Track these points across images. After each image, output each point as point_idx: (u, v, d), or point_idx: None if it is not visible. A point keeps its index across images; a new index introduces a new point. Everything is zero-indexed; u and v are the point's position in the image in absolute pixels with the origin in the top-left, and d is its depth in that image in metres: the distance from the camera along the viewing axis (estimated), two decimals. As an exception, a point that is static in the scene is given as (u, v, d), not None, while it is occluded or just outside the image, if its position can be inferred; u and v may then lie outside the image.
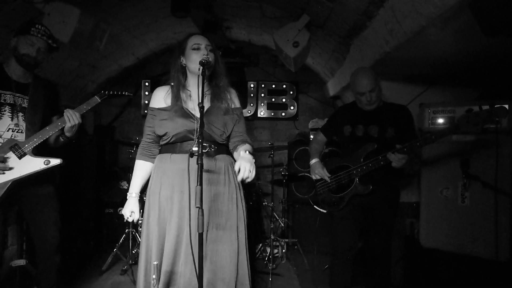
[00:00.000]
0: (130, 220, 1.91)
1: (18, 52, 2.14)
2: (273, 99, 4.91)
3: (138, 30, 3.96)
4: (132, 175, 3.68)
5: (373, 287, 2.60)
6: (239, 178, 1.63)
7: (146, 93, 4.87)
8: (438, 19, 1.80)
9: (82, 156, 4.08)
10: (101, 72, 4.30)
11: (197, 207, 1.49)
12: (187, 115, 1.81)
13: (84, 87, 4.23)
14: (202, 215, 1.51)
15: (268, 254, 3.73)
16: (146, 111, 4.85)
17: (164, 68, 4.97)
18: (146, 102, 4.87)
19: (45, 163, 2.12)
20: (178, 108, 1.82)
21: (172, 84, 1.91)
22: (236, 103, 1.94)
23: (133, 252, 3.59)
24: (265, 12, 3.47)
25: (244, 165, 1.62)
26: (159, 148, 1.94)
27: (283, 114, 4.93)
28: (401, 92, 3.29)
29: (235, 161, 1.80)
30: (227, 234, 1.80)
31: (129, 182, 3.78)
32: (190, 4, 3.04)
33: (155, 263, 1.64)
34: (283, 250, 3.95)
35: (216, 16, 3.85)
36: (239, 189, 1.90)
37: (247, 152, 1.76)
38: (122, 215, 4.45)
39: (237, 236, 1.82)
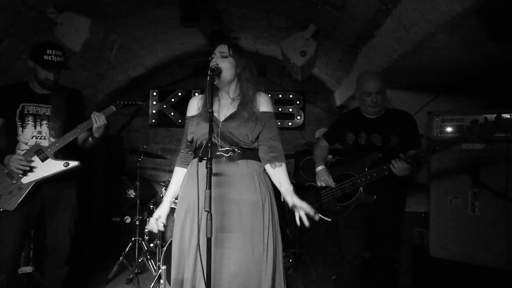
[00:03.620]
0: (149, 227, 1.91)
1: (38, 77, 2.36)
2: (280, 109, 4.93)
3: (146, 41, 4.02)
4: (138, 183, 3.73)
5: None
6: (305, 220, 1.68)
7: (154, 102, 4.92)
8: (446, 25, 1.82)
9: (90, 164, 4.11)
10: (110, 82, 4.36)
11: (206, 211, 1.49)
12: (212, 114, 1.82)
13: (93, 97, 4.29)
14: (211, 219, 1.51)
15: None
16: (153, 121, 4.97)
17: (172, 78, 5.04)
18: (154, 111, 4.93)
19: (65, 165, 2.33)
20: (203, 113, 1.85)
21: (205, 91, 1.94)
22: (265, 108, 1.91)
23: (139, 260, 3.58)
24: (273, 23, 3.52)
25: (300, 213, 1.68)
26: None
27: (290, 123, 4.94)
28: (409, 101, 3.29)
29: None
30: (243, 239, 1.75)
31: (136, 191, 3.85)
32: (200, 14, 3.09)
33: (164, 267, 1.64)
34: (290, 260, 3.90)
35: (224, 27, 3.91)
36: (266, 196, 1.82)
37: (291, 190, 1.76)
38: (128, 224, 4.44)
39: (264, 242, 1.75)
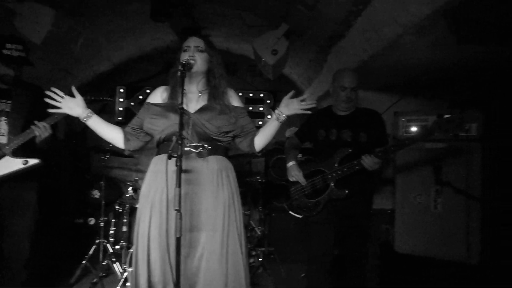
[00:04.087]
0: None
1: None
2: (251, 108, 4.92)
3: (114, 35, 3.89)
4: (103, 183, 3.60)
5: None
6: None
7: (121, 99, 4.77)
8: (414, 27, 1.88)
9: (54, 163, 3.92)
10: (74, 77, 4.18)
11: (175, 210, 1.45)
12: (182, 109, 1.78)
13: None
14: (181, 218, 1.47)
15: (245, 264, 3.68)
16: (120, 118, 4.81)
17: (141, 75, 4.90)
18: (120, 109, 4.77)
19: (23, 163, 2.21)
20: (171, 104, 1.81)
21: (170, 83, 1.90)
22: (235, 102, 1.93)
23: (104, 263, 3.44)
24: (245, 20, 3.51)
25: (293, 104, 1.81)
26: (139, 142, 1.93)
27: (260, 122, 4.94)
28: (377, 101, 3.39)
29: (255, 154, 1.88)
30: (213, 238, 1.73)
31: (100, 191, 3.71)
32: (171, 9, 3.03)
33: (130, 269, 1.57)
34: (259, 259, 3.90)
35: (195, 24, 3.85)
36: (234, 193, 1.83)
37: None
38: (92, 226, 4.28)
39: (227, 240, 1.74)
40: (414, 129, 2.97)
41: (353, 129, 2.50)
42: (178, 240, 1.48)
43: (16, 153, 2.21)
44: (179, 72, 1.67)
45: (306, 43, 3.32)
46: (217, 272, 1.68)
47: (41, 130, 2.19)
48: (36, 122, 2.19)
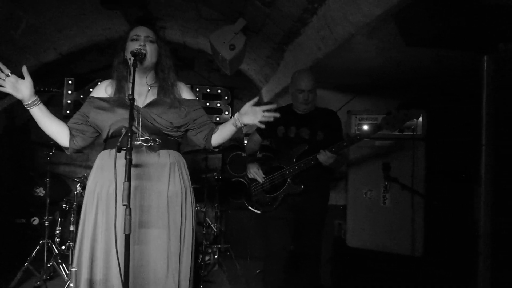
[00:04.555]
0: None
1: None
2: (208, 104, 4.86)
3: (61, 23, 3.66)
4: (49, 180, 3.38)
5: (303, 287, 2.67)
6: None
7: (69, 92, 4.51)
8: (366, 27, 1.94)
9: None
10: (15, 66, 3.88)
11: (124, 205, 1.38)
12: (128, 106, 1.69)
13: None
14: (130, 214, 1.40)
15: (199, 261, 3.64)
16: (68, 111, 4.55)
17: (91, 66, 4.67)
18: (69, 101, 4.51)
19: None
20: (118, 99, 1.71)
21: (115, 76, 1.79)
22: (186, 95, 1.87)
23: (49, 265, 3.25)
24: (202, 14, 3.45)
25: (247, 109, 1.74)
26: (82, 136, 1.80)
27: (218, 119, 4.90)
28: (331, 99, 3.49)
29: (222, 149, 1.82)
30: (163, 235, 1.69)
31: (45, 189, 3.49)
32: (122, -3, 2.90)
33: (74, 269, 1.48)
34: (215, 256, 3.88)
35: (150, 14, 3.73)
36: (187, 188, 1.80)
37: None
38: (35, 226, 4.02)
39: (180, 236, 1.71)
40: (365, 127, 3.09)
41: (311, 127, 2.56)
42: (127, 237, 1.41)
43: None
44: (131, 62, 1.60)
45: (263, 39, 3.33)
46: (163, 268, 1.65)
47: None
48: None
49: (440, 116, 3.02)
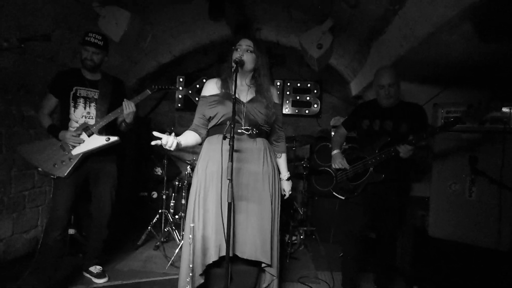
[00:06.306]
0: (164, 141, 2.00)
1: (81, 58, 2.75)
2: (298, 97, 5.17)
3: (176, 31, 4.33)
4: (166, 161, 4.07)
5: (380, 271, 2.86)
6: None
7: (180, 88, 5.26)
8: (444, 26, 2.04)
9: (123, 143, 4.48)
10: (141, 68, 4.72)
11: (228, 179, 1.81)
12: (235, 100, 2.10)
13: (126, 81, 4.64)
14: (232, 187, 1.83)
15: (287, 240, 4.00)
16: (179, 105, 5.31)
17: (197, 66, 5.33)
18: (180, 96, 5.27)
19: (106, 139, 2.72)
20: (227, 94, 2.14)
21: (222, 76, 2.23)
22: (276, 100, 2.27)
23: (165, 230, 3.96)
24: (293, 16, 3.75)
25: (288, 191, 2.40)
26: (207, 130, 2.27)
27: (307, 111, 5.19)
28: (418, 93, 3.48)
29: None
30: (257, 207, 2.09)
31: (163, 169, 4.21)
32: (226, 9, 3.37)
33: (192, 225, 1.98)
34: (302, 237, 4.20)
35: (248, 19, 4.16)
36: (275, 168, 2.24)
37: (288, 173, 2.40)
38: (155, 198, 4.82)
39: (272, 209, 2.12)
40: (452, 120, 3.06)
41: (394, 120, 2.70)
42: (229, 205, 1.83)
43: (101, 132, 2.73)
44: (233, 68, 2.02)
45: (350, 36, 3.50)
46: (256, 235, 2.07)
47: (128, 106, 2.66)
48: (125, 99, 2.67)
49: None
